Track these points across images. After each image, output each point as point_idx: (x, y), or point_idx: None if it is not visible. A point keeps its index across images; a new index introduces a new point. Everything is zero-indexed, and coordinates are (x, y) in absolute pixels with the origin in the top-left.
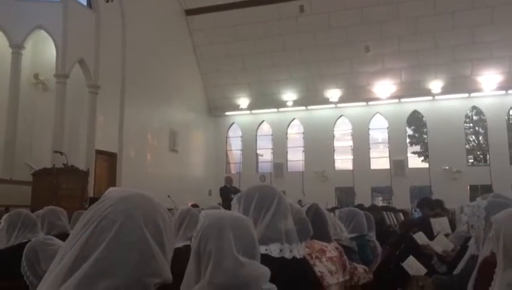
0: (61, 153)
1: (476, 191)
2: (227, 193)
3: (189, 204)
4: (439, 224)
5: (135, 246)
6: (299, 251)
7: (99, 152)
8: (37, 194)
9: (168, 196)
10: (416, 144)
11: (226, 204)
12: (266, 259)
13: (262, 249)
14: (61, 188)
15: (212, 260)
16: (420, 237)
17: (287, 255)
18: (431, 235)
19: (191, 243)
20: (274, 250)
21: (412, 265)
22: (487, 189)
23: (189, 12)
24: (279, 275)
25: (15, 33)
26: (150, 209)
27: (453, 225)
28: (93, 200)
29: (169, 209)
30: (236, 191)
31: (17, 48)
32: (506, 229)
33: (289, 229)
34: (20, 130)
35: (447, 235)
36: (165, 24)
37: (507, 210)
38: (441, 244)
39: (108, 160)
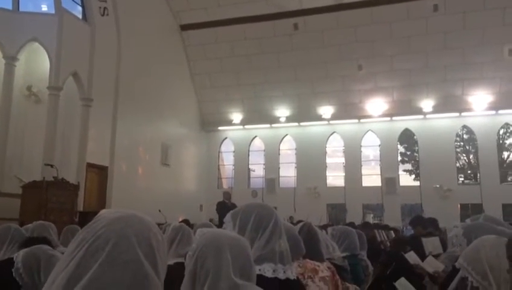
0: (51, 166)
1: (467, 209)
2: (224, 210)
3: (180, 219)
4: (431, 244)
5: (128, 267)
6: (292, 271)
7: (90, 165)
8: (26, 207)
9: (159, 210)
10: (407, 162)
11: (222, 221)
12: (260, 279)
13: (256, 269)
14: (51, 201)
15: (209, 281)
16: (411, 257)
17: (281, 275)
18: (423, 254)
19: (183, 261)
20: (267, 270)
21: (404, 285)
22: (478, 207)
23: (184, 27)
24: None
25: (9, 45)
26: (143, 229)
27: (445, 245)
28: (83, 214)
29: (160, 224)
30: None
31: (10, 59)
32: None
33: (283, 250)
34: (10, 141)
35: (438, 255)
36: (160, 39)
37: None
38: (432, 266)
39: (99, 173)
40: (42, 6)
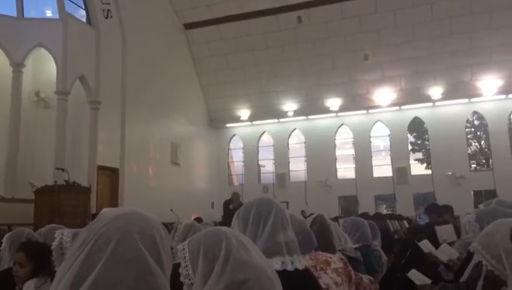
0: (63, 170)
1: (480, 196)
2: (226, 211)
3: (192, 217)
4: (445, 231)
5: (132, 264)
6: (300, 261)
7: (101, 168)
8: (40, 211)
9: (171, 209)
10: (418, 151)
11: (226, 220)
12: None
13: None
14: (64, 205)
15: (220, 260)
16: (425, 245)
17: (289, 267)
18: (437, 242)
19: None
20: (276, 263)
21: (417, 276)
22: (491, 194)
23: (188, 26)
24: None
25: (16, 52)
26: (145, 225)
27: (458, 232)
28: (95, 216)
29: (172, 223)
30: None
31: (17, 66)
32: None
33: (289, 241)
34: (21, 147)
35: (453, 242)
36: (165, 38)
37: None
38: (446, 254)
39: (111, 175)
40: (46, 11)
